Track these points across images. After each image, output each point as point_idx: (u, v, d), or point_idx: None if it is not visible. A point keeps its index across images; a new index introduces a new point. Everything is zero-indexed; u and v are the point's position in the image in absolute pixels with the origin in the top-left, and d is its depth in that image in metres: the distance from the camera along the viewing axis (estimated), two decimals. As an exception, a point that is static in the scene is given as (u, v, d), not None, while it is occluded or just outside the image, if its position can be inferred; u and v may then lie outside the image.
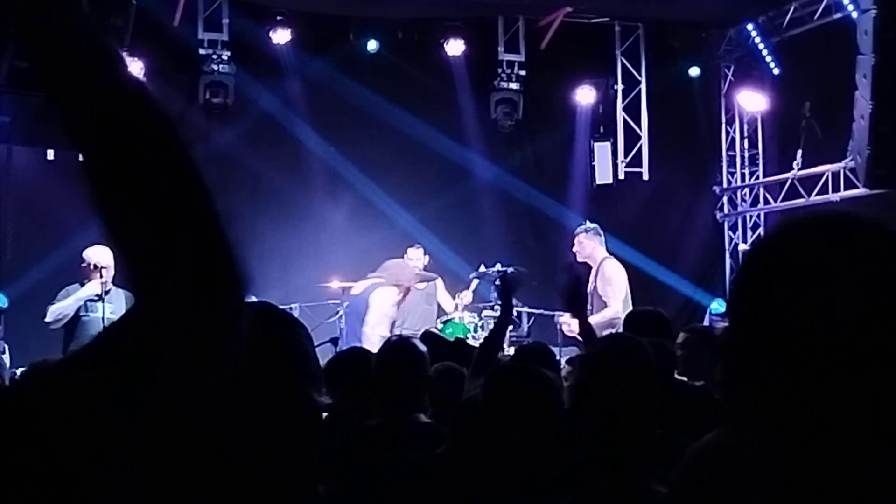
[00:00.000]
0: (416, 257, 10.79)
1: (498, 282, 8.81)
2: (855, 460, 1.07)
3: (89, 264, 8.26)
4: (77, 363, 1.09)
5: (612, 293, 9.08)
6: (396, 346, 4.37)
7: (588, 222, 9.97)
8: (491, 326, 10.52)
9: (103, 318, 8.14)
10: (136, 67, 11.07)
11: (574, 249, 9.74)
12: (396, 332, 10.41)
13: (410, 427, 3.90)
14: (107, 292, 8.24)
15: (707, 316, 12.83)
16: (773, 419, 1.09)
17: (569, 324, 9.59)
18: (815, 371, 1.06)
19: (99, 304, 8.23)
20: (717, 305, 12.87)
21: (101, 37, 1.14)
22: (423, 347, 4.15)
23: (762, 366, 1.09)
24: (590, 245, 9.57)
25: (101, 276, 8.18)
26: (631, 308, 8.98)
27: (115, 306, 8.20)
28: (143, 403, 1.05)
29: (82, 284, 8.34)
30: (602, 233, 9.73)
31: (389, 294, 9.39)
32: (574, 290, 5.18)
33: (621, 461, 2.59)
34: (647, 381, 2.75)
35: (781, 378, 1.08)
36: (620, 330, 7.10)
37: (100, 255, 8.17)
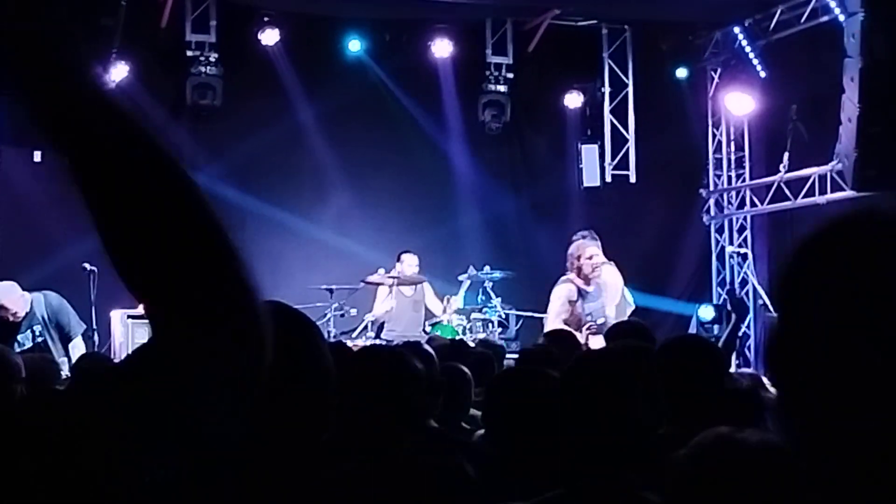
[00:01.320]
0: (412, 263, 10.77)
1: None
2: None
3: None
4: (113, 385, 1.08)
5: (607, 298, 9.08)
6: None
7: (583, 230, 9.98)
8: (479, 329, 10.57)
9: (33, 337, 8.11)
10: (123, 69, 11.05)
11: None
12: (386, 337, 10.44)
13: (418, 431, 3.86)
14: (19, 323, 8.15)
15: (694, 321, 12.82)
16: (828, 420, 1.08)
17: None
18: (873, 369, 1.06)
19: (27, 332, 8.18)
20: (705, 312, 12.83)
21: (77, 49, 1.11)
22: (430, 350, 4.13)
23: (816, 362, 1.09)
24: (588, 251, 9.58)
25: (11, 319, 8.12)
26: (625, 312, 9.10)
27: (38, 313, 8.15)
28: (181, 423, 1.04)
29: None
30: (597, 237, 9.73)
31: (564, 287, 9.30)
32: None
33: (611, 466, 2.58)
34: (634, 388, 2.73)
35: (836, 374, 1.07)
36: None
37: (2, 299, 8.09)
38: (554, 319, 9.02)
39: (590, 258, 9.16)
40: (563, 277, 9.35)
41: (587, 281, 9.12)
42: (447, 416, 4.46)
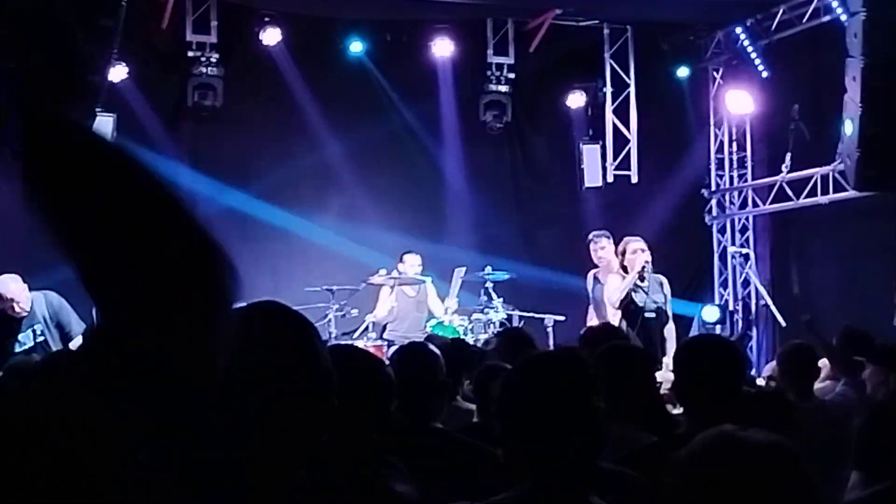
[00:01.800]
0: (414, 264, 10.75)
1: None
2: None
3: (1, 297, 8.10)
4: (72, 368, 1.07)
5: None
6: (409, 350, 4.30)
7: (596, 230, 10.22)
8: (481, 329, 10.55)
9: (34, 336, 8.08)
10: (123, 70, 11.03)
11: (600, 255, 9.83)
12: (388, 337, 10.43)
13: (423, 433, 3.84)
14: (20, 322, 8.09)
15: (696, 322, 12.78)
16: None
17: None
18: None
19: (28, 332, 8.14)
20: (709, 313, 12.79)
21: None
22: (436, 351, 4.08)
23: None
24: (611, 249, 9.80)
25: (14, 310, 8.07)
26: None
27: (38, 312, 8.12)
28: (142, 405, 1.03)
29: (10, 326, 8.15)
30: (610, 237, 9.96)
31: (613, 274, 9.47)
32: None
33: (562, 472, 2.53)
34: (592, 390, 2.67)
35: None
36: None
37: (6, 289, 8.04)
38: (617, 293, 9.25)
39: (634, 253, 9.34)
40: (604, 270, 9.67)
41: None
42: (484, 416, 4.39)
